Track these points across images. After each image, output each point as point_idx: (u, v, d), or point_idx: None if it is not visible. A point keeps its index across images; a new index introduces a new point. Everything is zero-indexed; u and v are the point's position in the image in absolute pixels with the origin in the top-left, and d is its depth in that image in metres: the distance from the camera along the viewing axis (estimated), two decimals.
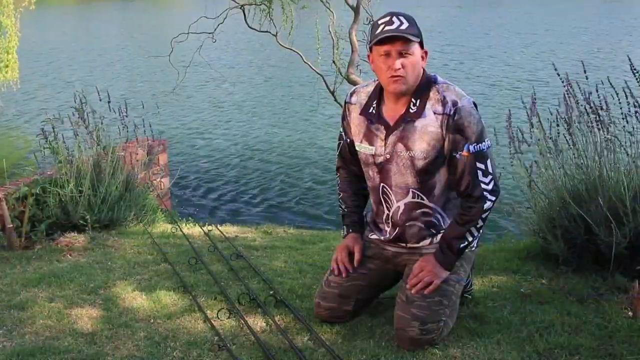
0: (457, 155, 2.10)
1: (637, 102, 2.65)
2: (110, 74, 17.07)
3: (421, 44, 2.11)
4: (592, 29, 22.09)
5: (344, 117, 2.35)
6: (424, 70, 2.16)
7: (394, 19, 2.06)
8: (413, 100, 2.12)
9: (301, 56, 7.19)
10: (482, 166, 2.11)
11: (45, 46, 22.71)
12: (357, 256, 2.37)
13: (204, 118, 12.12)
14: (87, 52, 21.92)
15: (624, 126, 2.73)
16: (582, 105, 2.82)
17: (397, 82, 2.07)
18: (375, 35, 2.07)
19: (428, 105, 2.11)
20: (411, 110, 2.12)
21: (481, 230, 2.22)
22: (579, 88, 2.87)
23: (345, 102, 2.33)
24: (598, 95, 2.80)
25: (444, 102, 2.09)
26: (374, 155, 2.23)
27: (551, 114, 2.95)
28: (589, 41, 19.09)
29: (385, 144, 2.18)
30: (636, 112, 2.65)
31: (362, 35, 6.86)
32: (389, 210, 2.28)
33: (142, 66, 17.51)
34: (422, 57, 2.12)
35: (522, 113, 3.16)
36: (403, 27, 2.04)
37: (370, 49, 2.14)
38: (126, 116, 4.40)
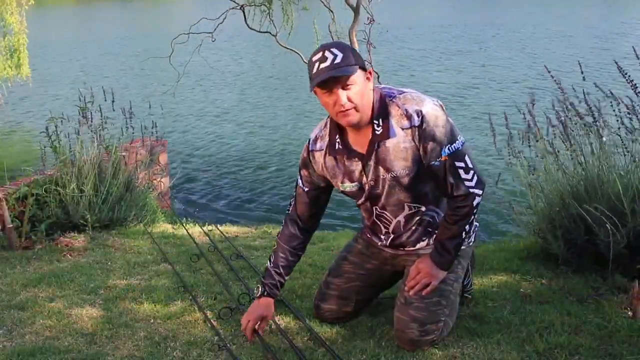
0: (437, 163, 2.05)
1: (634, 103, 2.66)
2: (110, 74, 17.08)
3: (363, 68, 1.99)
4: (591, 29, 22.09)
5: (307, 165, 2.24)
6: (374, 88, 2.07)
7: (327, 53, 1.95)
8: (375, 122, 2.05)
9: (301, 56, 7.19)
10: (462, 164, 2.07)
11: (44, 46, 22.71)
12: (263, 325, 2.27)
13: (204, 118, 12.13)
14: (86, 52, 21.93)
15: (619, 127, 2.73)
16: (575, 108, 2.82)
17: (347, 115, 1.99)
18: (312, 75, 1.97)
19: (393, 123, 2.04)
20: (377, 132, 2.05)
21: (473, 223, 2.20)
22: (569, 91, 2.86)
23: (309, 150, 2.21)
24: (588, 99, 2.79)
25: (408, 116, 2.02)
26: (359, 189, 2.18)
27: (547, 117, 2.95)
28: (587, 42, 19.09)
29: (365, 172, 2.13)
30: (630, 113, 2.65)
31: (362, 35, 6.87)
32: (388, 228, 2.26)
33: (142, 66, 17.51)
34: (368, 79, 2.01)
35: (520, 113, 3.16)
36: (337, 60, 1.94)
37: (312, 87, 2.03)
38: (132, 116, 4.40)
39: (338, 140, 2.14)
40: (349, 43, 6.81)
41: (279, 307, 2.51)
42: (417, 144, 2.04)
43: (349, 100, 1.97)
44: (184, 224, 4.12)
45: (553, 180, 2.91)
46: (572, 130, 2.84)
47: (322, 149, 2.19)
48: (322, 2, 7.27)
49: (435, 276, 2.17)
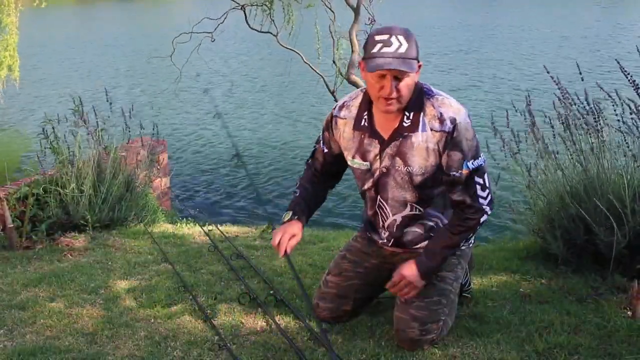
0: (457, 174, 2.05)
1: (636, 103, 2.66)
2: (110, 74, 17.08)
3: (418, 60, 1.97)
4: (589, 32, 22.09)
5: (329, 128, 2.24)
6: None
7: (393, 39, 1.91)
8: (406, 113, 2.04)
9: (301, 56, 7.20)
10: (481, 180, 2.08)
11: (45, 46, 22.72)
12: (294, 242, 2.23)
13: (204, 117, 12.12)
14: (87, 51, 21.93)
15: (619, 127, 2.73)
16: (577, 107, 2.82)
17: (390, 104, 1.99)
18: (370, 54, 1.93)
19: (425, 120, 2.04)
20: (405, 124, 2.05)
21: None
22: (565, 92, 2.86)
23: (333, 115, 2.21)
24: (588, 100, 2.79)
25: (441, 119, 2.01)
26: (369, 170, 2.18)
27: (546, 117, 2.95)
28: (586, 43, 19.09)
29: (381, 157, 2.12)
30: (633, 112, 2.65)
31: (362, 35, 6.88)
32: (384, 222, 2.27)
33: (142, 66, 17.52)
34: (417, 72, 1.99)
35: (520, 113, 3.16)
36: (402, 49, 1.90)
37: (363, 61, 2.00)
38: (130, 117, 4.41)
39: (365, 117, 2.13)
40: (349, 44, 6.82)
41: (279, 307, 2.52)
42: (441, 149, 2.04)
43: (397, 90, 1.96)
44: (184, 225, 4.13)
45: (552, 180, 2.91)
46: (573, 129, 2.84)
47: (345, 118, 2.18)
48: (322, 2, 7.27)
49: (417, 287, 2.16)
